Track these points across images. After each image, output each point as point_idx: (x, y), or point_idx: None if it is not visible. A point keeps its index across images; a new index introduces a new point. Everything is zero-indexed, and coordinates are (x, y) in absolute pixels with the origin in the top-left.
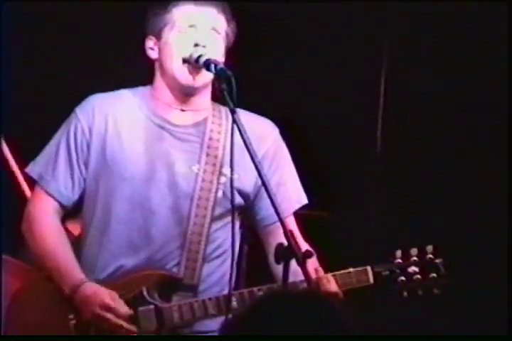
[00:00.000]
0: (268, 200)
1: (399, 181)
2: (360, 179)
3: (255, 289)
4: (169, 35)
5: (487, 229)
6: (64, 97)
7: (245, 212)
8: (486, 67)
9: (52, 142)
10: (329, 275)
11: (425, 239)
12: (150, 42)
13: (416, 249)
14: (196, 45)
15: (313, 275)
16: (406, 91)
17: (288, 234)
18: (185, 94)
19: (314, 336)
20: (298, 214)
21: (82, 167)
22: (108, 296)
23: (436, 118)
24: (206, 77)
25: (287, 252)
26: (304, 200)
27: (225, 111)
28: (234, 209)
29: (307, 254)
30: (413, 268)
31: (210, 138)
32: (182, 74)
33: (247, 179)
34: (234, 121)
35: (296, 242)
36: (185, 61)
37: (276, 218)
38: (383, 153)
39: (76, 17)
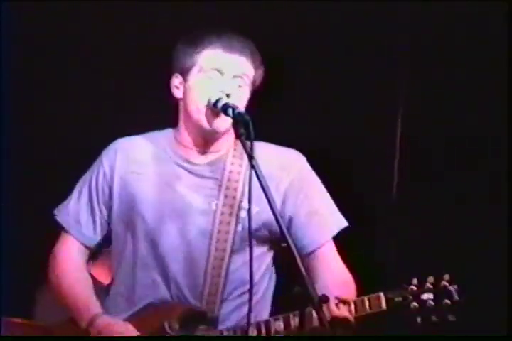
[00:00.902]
0: (303, 230)
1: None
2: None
3: (271, 319)
4: (195, 78)
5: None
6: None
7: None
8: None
9: (78, 185)
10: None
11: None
12: (176, 81)
13: (432, 277)
14: (221, 92)
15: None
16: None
17: (305, 277)
18: (205, 139)
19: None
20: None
21: (104, 209)
22: (123, 326)
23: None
24: (228, 122)
25: (304, 297)
26: (343, 224)
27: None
28: (251, 242)
29: (323, 299)
30: (427, 295)
31: (230, 172)
32: (203, 118)
33: (269, 211)
34: (252, 167)
35: (313, 286)
36: (207, 106)
37: (313, 247)
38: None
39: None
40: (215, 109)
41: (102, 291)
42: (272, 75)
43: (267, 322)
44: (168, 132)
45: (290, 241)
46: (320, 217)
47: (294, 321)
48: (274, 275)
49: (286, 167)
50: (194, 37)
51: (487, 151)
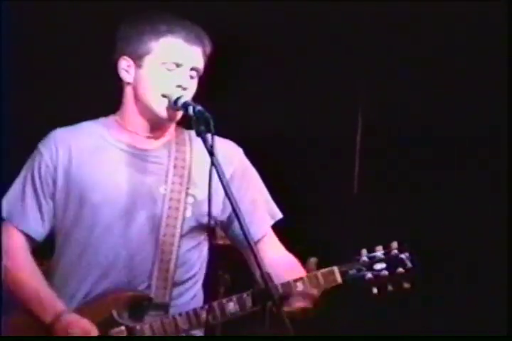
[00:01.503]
0: (247, 218)
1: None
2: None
3: (224, 300)
4: (152, 67)
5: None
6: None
7: (225, 233)
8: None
9: (19, 179)
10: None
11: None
12: (124, 63)
13: (381, 247)
14: (179, 86)
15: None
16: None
17: (264, 275)
18: (156, 125)
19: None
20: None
21: (50, 201)
22: (86, 325)
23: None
24: (181, 113)
25: (264, 294)
26: (279, 215)
27: (187, 134)
28: (203, 229)
29: (283, 296)
30: (380, 265)
31: (176, 159)
32: (160, 107)
33: (214, 201)
34: (212, 164)
35: (273, 283)
36: (164, 96)
37: (256, 237)
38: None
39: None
40: (176, 106)
41: None
42: (220, 63)
43: (220, 304)
44: (103, 121)
45: (247, 232)
46: (261, 206)
47: (248, 301)
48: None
49: (227, 157)
50: (149, 22)
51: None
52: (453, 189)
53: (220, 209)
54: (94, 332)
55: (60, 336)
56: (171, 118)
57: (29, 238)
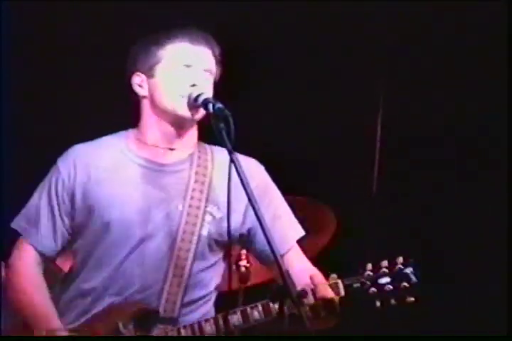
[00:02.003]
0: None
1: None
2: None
3: (230, 311)
4: (164, 73)
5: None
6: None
7: (246, 250)
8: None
9: (35, 195)
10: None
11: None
12: (137, 79)
13: (386, 261)
14: (193, 85)
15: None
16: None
17: (284, 273)
18: (178, 129)
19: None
20: None
21: (65, 218)
22: None
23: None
24: (202, 112)
25: (282, 291)
26: (302, 232)
27: (210, 149)
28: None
29: (301, 294)
30: (384, 279)
31: (197, 173)
32: (181, 107)
33: (233, 218)
34: (232, 161)
35: (292, 281)
36: (183, 97)
37: (280, 252)
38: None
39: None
40: (196, 103)
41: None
42: (237, 72)
43: (224, 316)
44: (123, 135)
45: (271, 240)
46: (284, 222)
47: (252, 313)
48: None
49: (249, 174)
50: (154, 35)
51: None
52: (473, 189)
53: (240, 224)
54: None
55: (61, 336)
56: (193, 117)
57: (40, 254)
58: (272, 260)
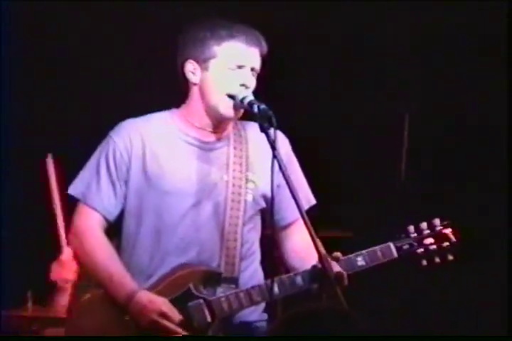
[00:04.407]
0: (286, 202)
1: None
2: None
3: (292, 274)
4: (217, 70)
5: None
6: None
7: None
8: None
9: (92, 164)
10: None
11: None
12: (190, 66)
13: (425, 223)
14: (242, 85)
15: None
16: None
17: (323, 258)
18: (220, 122)
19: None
20: (324, 236)
21: (123, 186)
22: (163, 304)
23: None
24: (242, 111)
25: (321, 274)
26: (313, 201)
27: (242, 126)
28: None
29: (339, 276)
30: (428, 240)
31: (235, 148)
32: (226, 108)
33: (267, 185)
34: (274, 157)
35: (330, 264)
36: (230, 96)
37: (289, 220)
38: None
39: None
40: (242, 104)
41: None
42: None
43: (289, 277)
44: (169, 114)
45: (307, 220)
46: (300, 193)
47: (310, 276)
48: None
49: (278, 145)
50: (211, 28)
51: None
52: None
53: (270, 191)
54: (169, 310)
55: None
56: (233, 117)
57: (103, 217)
58: (288, 223)
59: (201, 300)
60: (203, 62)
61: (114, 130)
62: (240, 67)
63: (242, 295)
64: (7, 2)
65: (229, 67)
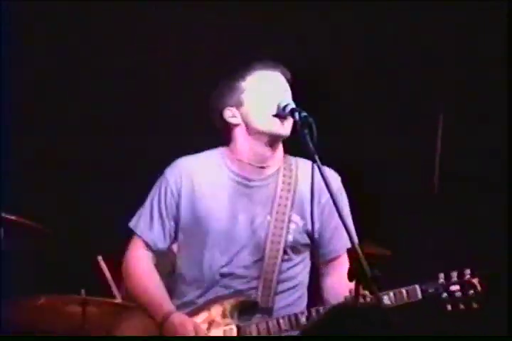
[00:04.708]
0: (328, 240)
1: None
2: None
3: (321, 308)
4: (251, 101)
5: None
6: None
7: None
8: None
9: (148, 201)
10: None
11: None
12: (229, 113)
13: (456, 272)
14: (280, 103)
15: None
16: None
17: (361, 258)
18: (270, 148)
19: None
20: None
21: (172, 223)
22: (191, 326)
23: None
24: (290, 125)
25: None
26: (356, 240)
27: (295, 161)
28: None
29: (376, 275)
30: (454, 287)
31: (282, 190)
32: (275, 124)
33: (311, 223)
34: (314, 161)
35: (367, 265)
36: (275, 116)
37: (332, 255)
38: (440, 193)
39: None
40: (284, 112)
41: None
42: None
43: (316, 310)
44: (218, 152)
45: (353, 235)
46: (342, 232)
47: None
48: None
49: (329, 181)
50: (233, 73)
51: None
52: None
53: (316, 229)
54: (195, 333)
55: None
56: (286, 134)
57: (151, 250)
58: (326, 261)
59: (233, 326)
60: (236, 102)
61: (168, 168)
62: (269, 89)
63: (271, 324)
64: (7, 2)
65: (260, 92)
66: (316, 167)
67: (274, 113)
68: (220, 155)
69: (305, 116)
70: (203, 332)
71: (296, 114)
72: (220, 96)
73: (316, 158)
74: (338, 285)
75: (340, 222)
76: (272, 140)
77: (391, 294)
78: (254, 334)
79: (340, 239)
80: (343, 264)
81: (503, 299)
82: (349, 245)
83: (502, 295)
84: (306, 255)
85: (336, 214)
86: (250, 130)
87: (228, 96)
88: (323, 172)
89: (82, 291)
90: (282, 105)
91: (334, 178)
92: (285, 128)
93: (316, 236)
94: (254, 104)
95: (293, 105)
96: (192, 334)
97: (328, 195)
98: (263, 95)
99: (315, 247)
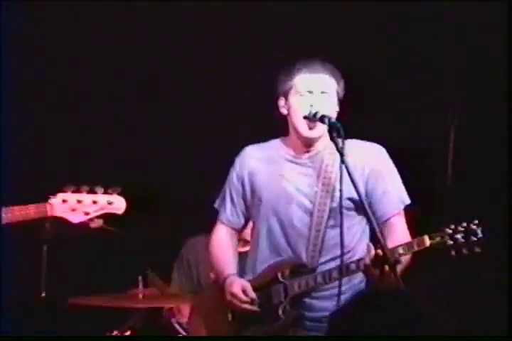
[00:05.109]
0: (378, 205)
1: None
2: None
3: (352, 264)
4: (293, 98)
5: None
6: None
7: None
8: None
9: (224, 185)
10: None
11: None
12: (281, 102)
13: (465, 223)
14: (311, 105)
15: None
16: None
17: (384, 246)
18: (305, 142)
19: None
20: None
21: (241, 200)
22: (237, 286)
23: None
24: (321, 129)
25: (382, 259)
26: (407, 201)
27: (340, 140)
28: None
29: (396, 261)
30: (459, 235)
31: (327, 165)
32: (303, 127)
33: (353, 190)
34: (342, 162)
35: (389, 250)
36: (305, 117)
37: (385, 218)
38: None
39: None
40: (314, 118)
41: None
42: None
43: (346, 265)
44: (277, 141)
45: (370, 215)
46: (392, 195)
47: (362, 265)
48: None
49: (365, 158)
50: (288, 68)
51: None
52: None
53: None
54: (239, 291)
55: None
56: (313, 136)
57: (230, 228)
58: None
59: (281, 284)
60: (286, 95)
61: (238, 156)
62: (309, 92)
63: (310, 279)
64: (7, 2)
65: (301, 94)
66: (343, 165)
67: (305, 115)
68: (278, 142)
69: (334, 122)
70: (249, 291)
71: (326, 120)
72: (277, 86)
73: (344, 159)
74: (394, 242)
75: (388, 188)
76: (304, 139)
77: (404, 244)
78: (296, 288)
79: (389, 202)
80: (396, 225)
81: (503, 299)
82: (399, 208)
83: (502, 294)
84: (352, 223)
85: (383, 182)
86: (291, 123)
87: (281, 88)
88: (348, 168)
89: None
90: (313, 111)
91: (378, 152)
92: (312, 131)
93: (365, 202)
94: (294, 102)
95: (323, 112)
96: (234, 294)
97: (372, 166)
98: (302, 97)
99: (367, 213)
